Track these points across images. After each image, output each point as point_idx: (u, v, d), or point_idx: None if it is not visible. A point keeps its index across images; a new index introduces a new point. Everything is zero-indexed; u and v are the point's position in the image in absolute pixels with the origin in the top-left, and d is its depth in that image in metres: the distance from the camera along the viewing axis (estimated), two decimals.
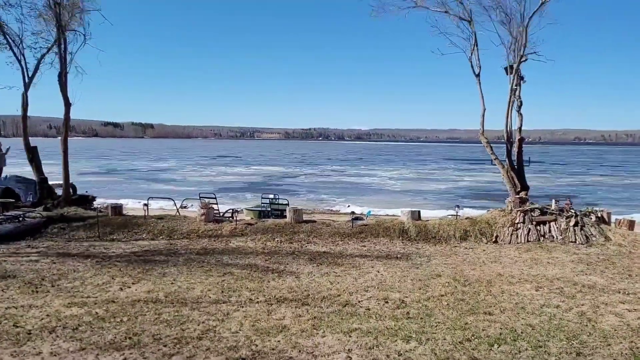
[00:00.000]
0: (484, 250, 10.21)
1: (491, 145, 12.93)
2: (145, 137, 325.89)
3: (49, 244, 10.36)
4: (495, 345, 5.09)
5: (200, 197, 14.64)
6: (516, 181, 12.45)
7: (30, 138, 14.27)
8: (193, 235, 11.17)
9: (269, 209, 14.02)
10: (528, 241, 10.88)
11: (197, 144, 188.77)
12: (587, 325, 5.72)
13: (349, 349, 4.98)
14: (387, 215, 15.44)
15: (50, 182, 14.42)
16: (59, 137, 14.40)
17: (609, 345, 5.15)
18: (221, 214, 13.23)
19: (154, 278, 7.68)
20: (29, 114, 14.19)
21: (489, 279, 7.87)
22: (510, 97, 12.57)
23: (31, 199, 14.43)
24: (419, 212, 12.22)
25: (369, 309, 6.27)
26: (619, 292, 7.14)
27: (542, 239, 10.95)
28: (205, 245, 10.42)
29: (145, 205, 12.82)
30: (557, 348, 5.06)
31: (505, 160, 12.73)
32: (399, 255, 9.65)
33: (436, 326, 5.65)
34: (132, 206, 16.67)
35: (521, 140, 12.73)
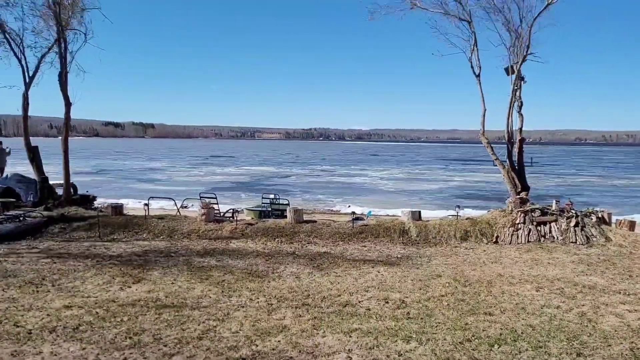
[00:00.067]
0: (484, 251, 10.21)
1: (492, 145, 12.93)
2: (146, 137, 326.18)
3: (49, 244, 10.37)
4: (496, 346, 5.10)
5: (200, 197, 14.64)
6: (517, 181, 12.45)
7: (31, 138, 14.25)
8: (193, 235, 11.18)
9: (270, 209, 14.02)
10: (528, 241, 10.88)
11: (196, 144, 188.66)
12: (587, 326, 5.72)
13: (349, 349, 4.99)
14: (388, 215, 15.43)
15: (50, 182, 14.42)
16: (60, 137, 14.39)
17: (610, 345, 5.15)
18: (222, 214, 13.24)
19: (155, 278, 7.68)
20: (29, 113, 14.16)
21: (490, 279, 7.87)
22: (511, 97, 12.56)
23: (32, 199, 14.43)
24: (419, 212, 12.22)
25: (369, 309, 6.27)
26: (620, 292, 7.14)
27: (542, 239, 10.95)
28: (206, 245, 10.43)
29: (146, 205, 12.83)
30: (558, 348, 5.06)
31: (505, 161, 12.73)
32: (399, 256, 9.66)
33: (436, 326, 5.65)
34: (133, 206, 16.67)
35: (522, 140, 12.73)
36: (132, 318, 5.83)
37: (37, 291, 6.89)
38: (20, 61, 13.51)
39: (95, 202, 14.87)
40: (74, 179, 14.76)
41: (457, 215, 12.75)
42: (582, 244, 10.59)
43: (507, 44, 12.45)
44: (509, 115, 12.69)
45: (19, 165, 19.25)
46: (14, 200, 13.86)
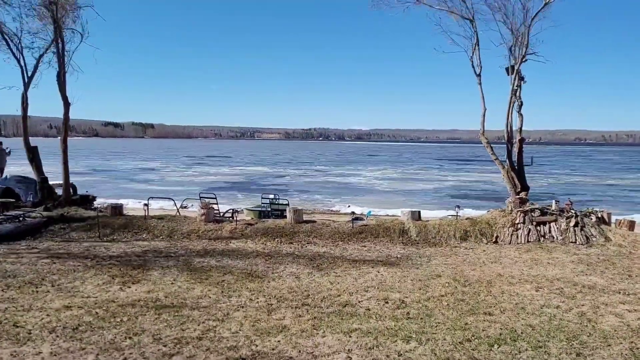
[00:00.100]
0: (484, 251, 10.21)
1: (491, 145, 12.93)
2: (146, 137, 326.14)
3: (49, 244, 10.36)
4: (495, 346, 5.10)
5: (200, 197, 14.64)
6: (516, 181, 12.45)
7: (30, 138, 14.25)
8: (193, 235, 11.18)
9: (269, 209, 14.02)
10: (528, 241, 10.88)
11: (195, 144, 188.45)
12: (587, 326, 5.73)
13: (349, 349, 4.99)
14: (387, 215, 15.43)
15: (50, 182, 14.41)
16: (59, 137, 14.38)
17: (609, 345, 5.15)
18: (221, 214, 13.23)
19: (154, 278, 7.68)
20: (29, 113, 14.16)
21: (489, 279, 7.87)
22: (511, 97, 12.56)
23: (31, 199, 14.42)
24: (419, 212, 12.23)
25: (369, 309, 6.27)
26: (619, 292, 7.14)
27: (542, 239, 10.96)
28: (206, 245, 10.43)
29: (146, 205, 12.82)
30: (557, 348, 5.06)
31: (505, 161, 12.73)
32: (399, 256, 9.66)
33: (436, 326, 5.65)
34: (133, 206, 16.66)
35: (522, 140, 12.73)
36: (131, 318, 5.83)
37: (37, 291, 6.89)
38: (18, 61, 13.51)
39: (94, 203, 14.86)
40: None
41: (457, 215, 12.75)
42: (581, 244, 10.59)
43: (507, 44, 12.46)
44: (508, 115, 12.69)
45: (15, 166, 19.27)
46: (13, 200, 13.86)
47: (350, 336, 5.33)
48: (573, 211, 11.39)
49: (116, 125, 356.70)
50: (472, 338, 5.29)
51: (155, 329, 5.48)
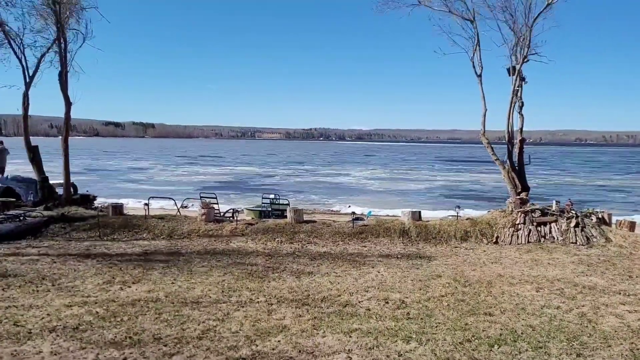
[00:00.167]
0: (484, 251, 10.21)
1: (492, 146, 12.93)
2: (146, 137, 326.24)
3: (49, 244, 10.37)
4: (496, 346, 5.09)
5: (200, 197, 14.65)
6: (517, 182, 12.44)
7: (31, 137, 14.25)
8: (193, 235, 11.19)
9: (270, 209, 14.02)
10: (529, 242, 10.88)
11: (194, 143, 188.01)
12: (587, 327, 5.72)
13: (349, 349, 4.99)
14: (388, 215, 15.43)
15: (51, 182, 14.42)
16: (60, 137, 14.39)
17: (610, 346, 5.15)
18: (222, 214, 13.24)
19: (155, 278, 7.68)
20: (30, 113, 14.16)
21: (490, 279, 7.87)
22: (512, 98, 12.56)
23: (32, 198, 14.43)
24: (419, 212, 12.23)
25: (369, 310, 6.27)
26: (620, 293, 7.14)
27: (542, 239, 10.95)
28: (206, 245, 10.43)
29: (146, 204, 12.83)
30: (558, 349, 5.06)
31: (506, 161, 12.73)
32: (399, 256, 9.66)
33: (436, 327, 5.65)
34: (133, 206, 16.67)
35: (522, 141, 12.72)
36: (132, 318, 5.83)
37: (37, 291, 6.89)
38: (20, 61, 13.51)
39: (95, 202, 14.87)
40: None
41: (457, 216, 12.75)
42: (582, 245, 10.58)
43: (509, 44, 12.46)
44: (509, 115, 12.69)
45: (15, 165, 19.27)
46: (14, 199, 13.87)
47: (350, 336, 5.33)
48: (574, 212, 11.39)
49: (117, 124, 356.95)
50: (473, 338, 5.29)
51: (156, 329, 5.48)
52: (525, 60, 12.32)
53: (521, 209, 11.50)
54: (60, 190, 14.14)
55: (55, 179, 14.73)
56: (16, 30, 13.36)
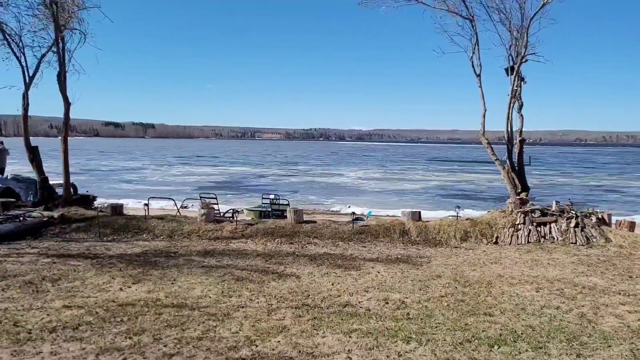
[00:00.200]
0: (484, 251, 10.21)
1: (492, 146, 12.93)
2: (146, 137, 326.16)
3: (49, 244, 10.37)
4: (496, 346, 5.10)
5: (200, 197, 14.65)
6: (517, 182, 12.44)
7: (31, 138, 14.24)
8: (193, 235, 11.19)
9: (270, 210, 14.03)
10: (528, 242, 10.88)
11: (193, 143, 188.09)
12: (587, 327, 5.72)
13: (349, 350, 4.99)
14: (388, 215, 15.43)
15: (50, 182, 14.42)
16: (60, 137, 14.38)
17: (609, 346, 5.15)
18: (222, 214, 13.24)
19: (155, 278, 7.68)
20: (30, 113, 14.13)
21: (490, 280, 7.87)
22: (511, 98, 12.56)
23: (32, 199, 14.43)
24: (419, 212, 12.23)
25: (369, 310, 6.27)
26: (620, 293, 7.14)
27: (542, 240, 10.95)
28: (206, 245, 10.43)
29: (146, 205, 12.83)
30: (558, 349, 5.06)
31: (506, 162, 12.73)
32: (399, 256, 9.66)
33: (436, 327, 5.65)
34: (133, 206, 16.67)
35: (522, 141, 12.72)
36: (132, 318, 5.83)
37: (37, 291, 6.89)
38: (20, 61, 13.48)
39: (95, 202, 14.87)
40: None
41: (457, 216, 12.75)
42: (582, 245, 10.59)
43: (507, 44, 12.46)
44: (508, 115, 12.69)
45: (15, 166, 19.27)
46: (14, 200, 13.86)
47: (350, 336, 5.33)
48: (573, 212, 11.38)
49: (117, 125, 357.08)
50: (472, 339, 5.29)
51: (156, 329, 5.48)
52: (524, 60, 12.32)
53: (521, 209, 11.50)
54: (60, 191, 14.14)
55: (53, 179, 14.72)
56: (16, 31, 13.35)
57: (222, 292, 6.97)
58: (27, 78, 13.58)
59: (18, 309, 6.13)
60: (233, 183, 34.75)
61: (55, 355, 4.81)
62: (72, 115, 14.18)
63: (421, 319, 5.94)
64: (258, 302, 6.55)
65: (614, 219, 12.05)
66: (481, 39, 12.58)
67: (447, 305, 6.50)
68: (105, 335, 5.30)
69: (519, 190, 12.32)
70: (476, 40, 12.52)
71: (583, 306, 6.51)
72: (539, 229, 11.16)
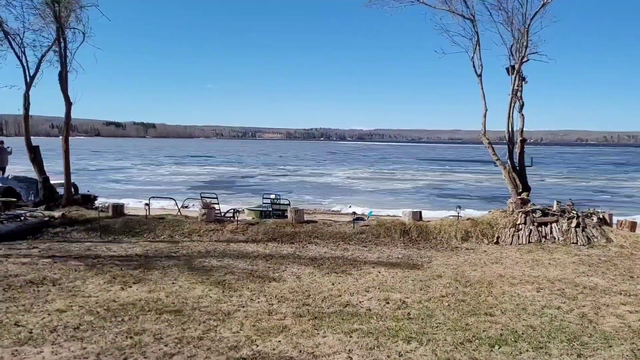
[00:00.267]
0: (485, 251, 10.20)
1: (493, 146, 12.92)
2: (147, 137, 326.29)
3: (50, 244, 10.38)
4: (496, 346, 5.10)
5: (201, 197, 14.65)
6: (518, 182, 12.43)
7: (32, 137, 14.27)
8: (194, 235, 11.19)
9: (270, 209, 14.02)
10: (529, 242, 10.87)
11: (192, 143, 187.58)
12: (588, 327, 5.72)
13: (349, 350, 4.99)
14: (388, 215, 15.41)
15: (51, 182, 14.42)
16: (61, 137, 14.40)
17: (610, 346, 5.15)
18: (222, 214, 13.24)
19: (155, 278, 7.69)
20: (30, 113, 14.17)
21: (490, 279, 7.87)
22: (512, 98, 12.55)
23: (33, 198, 14.44)
24: (420, 212, 12.22)
25: (369, 310, 6.27)
26: (621, 293, 7.13)
27: (543, 240, 10.94)
28: (207, 245, 10.43)
29: (147, 205, 12.84)
30: (558, 349, 5.06)
31: (507, 162, 12.72)
32: (400, 256, 9.65)
33: (437, 327, 5.65)
34: (134, 206, 16.67)
35: (523, 141, 12.71)
36: (132, 318, 5.83)
37: (38, 291, 6.90)
38: (20, 60, 13.50)
39: (96, 202, 14.87)
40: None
41: (458, 216, 12.74)
42: (583, 245, 10.57)
43: (508, 44, 12.45)
44: (509, 115, 12.68)
45: (16, 165, 19.28)
46: (15, 200, 13.87)
47: (351, 336, 5.33)
48: (574, 212, 11.37)
49: (118, 125, 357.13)
50: (473, 339, 5.29)
51: (156, 329, 5.48)
52: (525, 60, 12.31)
53: (522, 209, 11.49)
54: (61, 191, 14.15)
55: (51, 178, 14.71)
56: (16, 30, 13.36)
57: (223, 292, 6.98)
58: (28, 78, 13.60)
59: (19, 308, 6.14)
60: (222, 183, 34.65)
61: (56, 355, 4.82)
62: (73, 115, 14.20)
63: (422, 319, 5.94)
64: (259, 301, 6.55)
65: (615, 218, 12.04)
66: (482, 38, 12.60)
67: (448, 305, 6.50)
68: (106, 334, 5.31)
69: (520, 190, 12.31)
70: (477, 40, 12.53)
71: (584, 306, 6.51)
72: (540, 229, 11.15)
